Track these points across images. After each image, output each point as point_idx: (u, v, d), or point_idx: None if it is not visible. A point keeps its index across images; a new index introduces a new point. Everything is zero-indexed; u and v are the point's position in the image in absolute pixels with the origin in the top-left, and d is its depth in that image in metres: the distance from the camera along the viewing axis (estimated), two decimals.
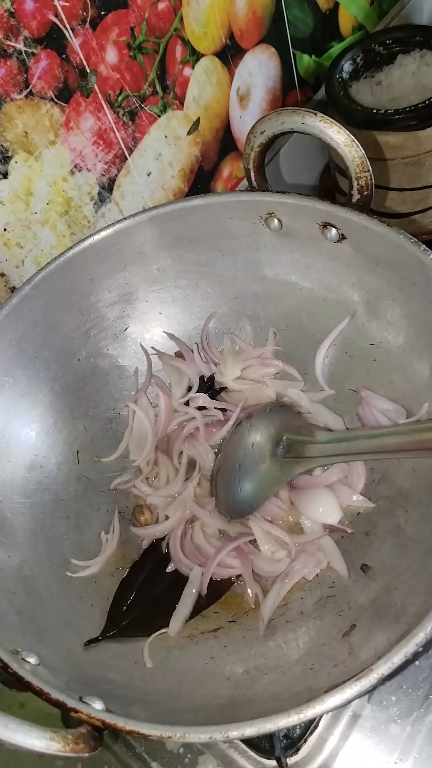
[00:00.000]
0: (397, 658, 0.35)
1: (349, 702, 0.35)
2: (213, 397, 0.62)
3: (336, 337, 0.60)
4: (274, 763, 0.50)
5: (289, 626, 0.50)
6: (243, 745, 0.52)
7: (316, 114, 0.52)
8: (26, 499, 0.55)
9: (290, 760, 0.50)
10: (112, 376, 0.63)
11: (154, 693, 0.46)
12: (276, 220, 0.57)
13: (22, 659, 0.41)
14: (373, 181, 0.52)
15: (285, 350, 0.63)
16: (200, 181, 0.70)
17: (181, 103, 0.64)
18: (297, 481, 0.55)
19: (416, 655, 0.52)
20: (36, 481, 0.56)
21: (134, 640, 0.50)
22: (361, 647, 0.44)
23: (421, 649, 0.35)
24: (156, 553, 0.56)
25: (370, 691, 0.35)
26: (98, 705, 0.38)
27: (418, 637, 0.35)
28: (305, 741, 0.51)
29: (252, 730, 0.35)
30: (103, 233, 0.57)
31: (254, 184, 0.59)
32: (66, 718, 0.37)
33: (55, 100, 0.53)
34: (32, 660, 0.41)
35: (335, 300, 0.59)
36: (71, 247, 0.56)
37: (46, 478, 0.57)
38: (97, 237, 0.57)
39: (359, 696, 0.35)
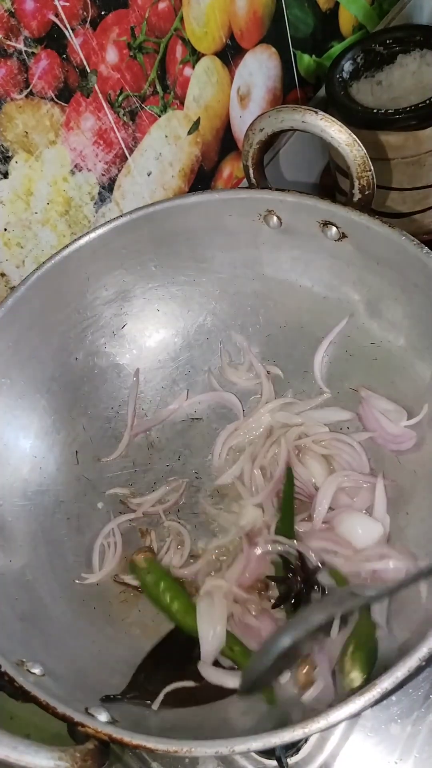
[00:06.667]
0: (400, 673, 0.35)
1: (353, 716, 0.35)
2: None
3: (335, 336, 0.60)
4: (274, 763, 0.50)
5: None
6: None
7: (316, 112, 0.51)
8: (26, 501, 0.54)
9: (291, 760, 0.50)
10: (111, 375, 0.63)
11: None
12: (275, 218, 0.57)
13: (27, 670, 0.41)
14: (375, 181, 0.52)
15: (284, 348, 0.63)
16: (200, 180, 0.70)
17: (182, 103, 0.64)
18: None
19: None
20: (36, 482, 0.56)
21: (139, 642, 0.50)
22: None
23: (424, 663, 0.35)
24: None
25: (374, 705, 0.35)
26: (103, 716, 0.38)
27: (421, 652, 0.36)
28: (306, 741, 0.51)
29: (257, 744, 0.35)
30: (99, 231, 0.57)
31: (253, 181, 0.59)
32: (73, 731, 0.37)
33: (56, 100, 0.53)
34: (37, 671, 0.41)
35: (335, 298, 0.59)
36: (66, 246, 0.56)
37: (45, 480, 0.57)
38: (93, 235, 0.57)
39: (363, 710, 0.35)
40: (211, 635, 0.48)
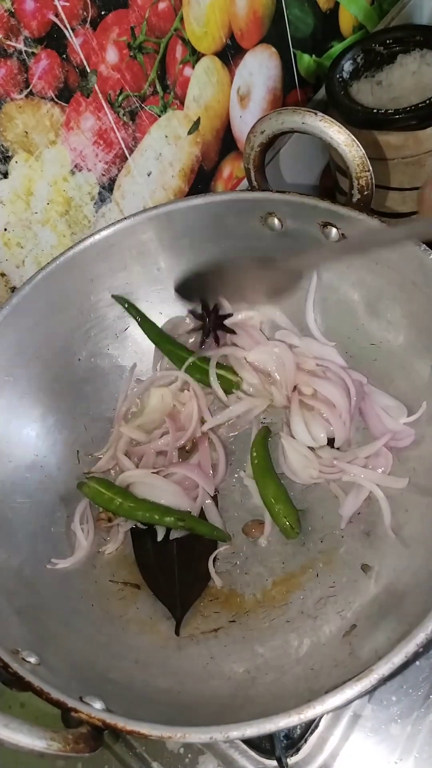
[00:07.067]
0: (397, 659, 0.35)
1: (349, 702, 0.35)
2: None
3: (316, 297, 0.60)
4: (274, 763, 0.50)
5: (289, 626, 0.50)
6: (243, 745, 0.52)
7: (316, 113, 0.52)
8: (27, 499, 0.55)
9: (291, 760, 0.50)
10: (113, 376, 0.63)
11: (154, 693, 0.46)
12: (276, 220, 0.57)
13: (23, 659, 0.41)
14: (374, 181, 0.52)
15: None
16: (201, 180, 0.70)
17: (182, 103, 0.64)
18: None
19: (416, 656, 0.52)
20: (37, 481, 0.56)
21: (136, 639, 0.51)
22: (362, 647, 0.44)
23: (421, 649, 0.35)
24: (144, 534, 0.57)
25: (370, 692, 0.35)
26: (98, 705, 0.38)
27: (419, 638, 0.36)
28: (306, 741, 0.51)
29: (252, 730, 0.35)
30: (104, 233, 0.57)
31: (254, 183, 0.59)
32: (66, 718, 0.37)
33: (56, 100, 0.53)
34: (32, 660, 0.41)
35: (335, 299, 0.59)
36: (71, 247, 0.56)
37: (46, 478, 0.57)
38: (97, 237, 0.57)
39: (360, 696, 0.35)
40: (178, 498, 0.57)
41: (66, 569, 0.53)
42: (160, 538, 0.56)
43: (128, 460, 0.60)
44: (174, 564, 0.55)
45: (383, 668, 0.35)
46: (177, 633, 0.51)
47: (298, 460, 0.57)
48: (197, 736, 0.35)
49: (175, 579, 0.54)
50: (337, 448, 0.58)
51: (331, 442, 0.58)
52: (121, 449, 0.60)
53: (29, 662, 0.40)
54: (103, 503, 0.56)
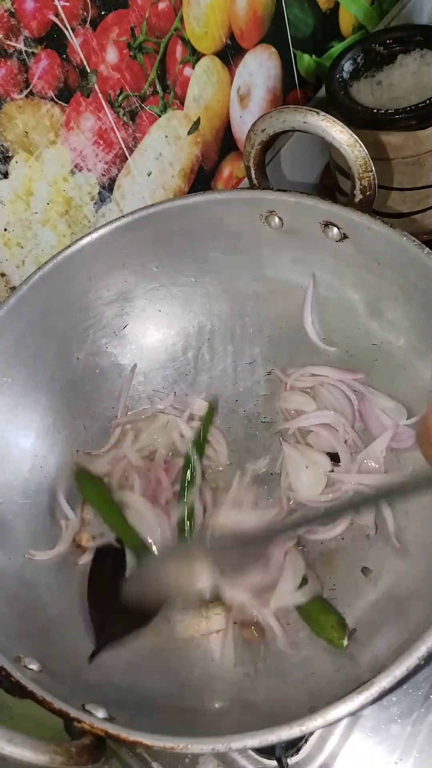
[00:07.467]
0: (399, 671, 0.35)
1: (351, 714, 0.35)
2: None
3: (313, 303, 0.60)
4: (274, 763, 0.50)
5: (290, 628, 0.50)
6: None
7: (318, 113, 0.51)
8: (26, 500, 0.55)
9: (291, 760, 0.50)
10: (112, 375, 0.63)
11: (157, 697, 0.46)
12: (277, 219, 0.57)
13: (25, 666, 0.40)
14: (377, 182, 0.52)
15: (286, 349, 0.63)
16: (201, 180, 0.70)
17: (182, 103, 0.64)
18: None
19: None
20: (36, 481, 0.56)
21: (138, 641, 0.50)
22: (362, 653, 0.45)
23: (422, 662, 0.35)
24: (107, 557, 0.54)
25: (372, 704, 0.35)
26: (101, 713, 0.38)
27: (420, 651, 0.35)
28: (306, 741, 0.51)
29: (254, 741, 0.35)
30: (101, 231, 0.57)
31: (255, 181, 0.59)
32: (69, 727, 0.37)
33: (56, 99, 0.53)
34: (34, 667, 0.41)
35: (336, 299, 0.59)
36: (69, 246, 0.56)
37: (46, 479, 0.57)
38: (95, 235, 0.57)
39: (362, 708, 0.35)
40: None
41: (67, 570, 0.53)
42: (128, 562, 0.53)
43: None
44: (117, 594, 0.51)
45: (384, 681, 0.35)
46: (89, 661, 0.47)
47: (307, 475, 0.55)
48: (199, 747, 0.35)
49: (112, 607, 0.51)
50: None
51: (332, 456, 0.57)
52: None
53: (31, 669, 0.40)
54: (90, 495, 0.56)
